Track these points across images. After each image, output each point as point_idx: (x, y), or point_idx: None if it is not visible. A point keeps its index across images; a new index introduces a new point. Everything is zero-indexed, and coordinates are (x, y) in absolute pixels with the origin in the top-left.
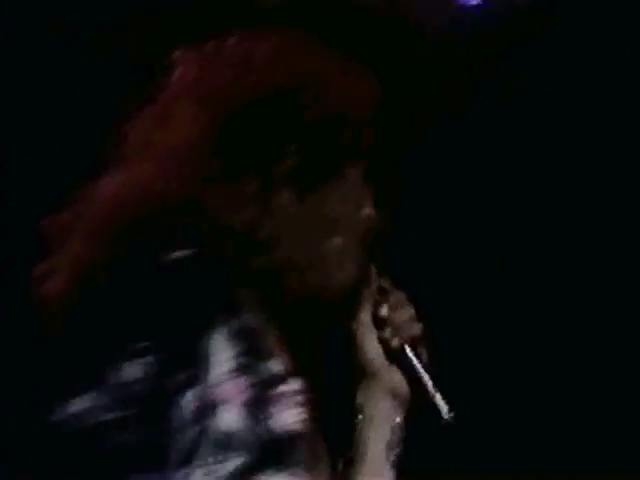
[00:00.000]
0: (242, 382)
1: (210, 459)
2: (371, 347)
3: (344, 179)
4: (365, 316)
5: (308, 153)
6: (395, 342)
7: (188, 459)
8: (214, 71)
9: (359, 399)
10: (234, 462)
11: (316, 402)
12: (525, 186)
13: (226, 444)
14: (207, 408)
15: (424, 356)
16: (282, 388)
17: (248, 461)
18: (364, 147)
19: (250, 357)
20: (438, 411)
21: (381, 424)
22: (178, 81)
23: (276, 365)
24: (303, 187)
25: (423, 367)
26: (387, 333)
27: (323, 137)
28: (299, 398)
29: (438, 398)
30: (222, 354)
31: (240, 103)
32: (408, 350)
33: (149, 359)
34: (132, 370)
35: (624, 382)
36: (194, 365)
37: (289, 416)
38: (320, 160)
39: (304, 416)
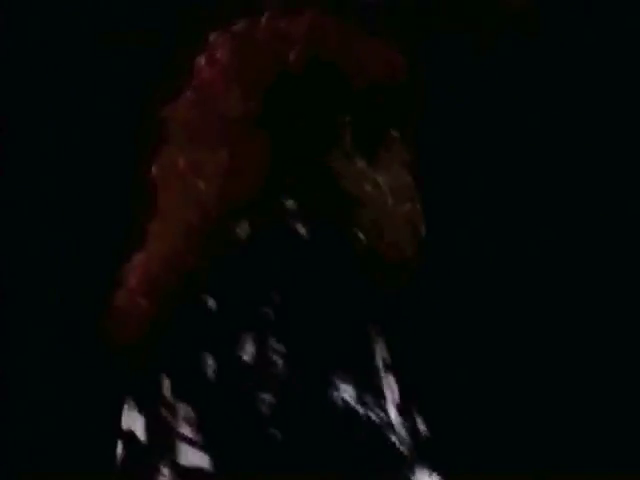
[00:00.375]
0: (393, 381)
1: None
2: None
3: (394, 146)
4: None
5: (361, 122)
6: None
7: None
8: (251, 51)
9: None
10: (394, 455)
11: None
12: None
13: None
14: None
15: None
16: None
17: (406, 457)
18: (405, 113)
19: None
20: None
21: None
22: (215, 63)
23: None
24: (368, 155)
25: None
26: None
27: (369, 105)
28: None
29: None
30: (378, 349)
31: (283, 80)
32: None
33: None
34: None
35: (624, 382)
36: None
37: (421, 424)
38: (372, 128)
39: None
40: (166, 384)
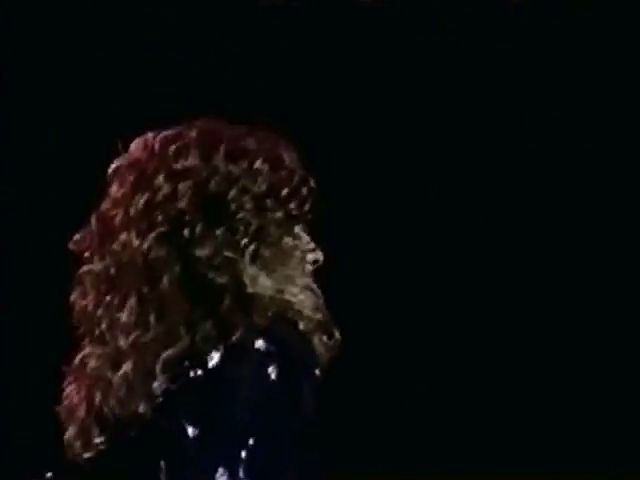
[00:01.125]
0: None
1: None
2: None
3: (294, 256)
4: None
5: (260, 237)
6: None
7: None
8: (142, 186)
9: None
10: None
11: None
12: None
13: None
14: None
15: None
16: None
17: None
18: (301, 216)
19: None
20: None
21: None
22: (110, 197)
23: None
24: (271, 270)
25: None
26: None
27: (266, 218)
28: None
29: None
30: None
31: (182, 210)
32: None
33: None
34: None
35: (624, 382)
36: None
37: None
38: (271, 241)
39: None
40: None
